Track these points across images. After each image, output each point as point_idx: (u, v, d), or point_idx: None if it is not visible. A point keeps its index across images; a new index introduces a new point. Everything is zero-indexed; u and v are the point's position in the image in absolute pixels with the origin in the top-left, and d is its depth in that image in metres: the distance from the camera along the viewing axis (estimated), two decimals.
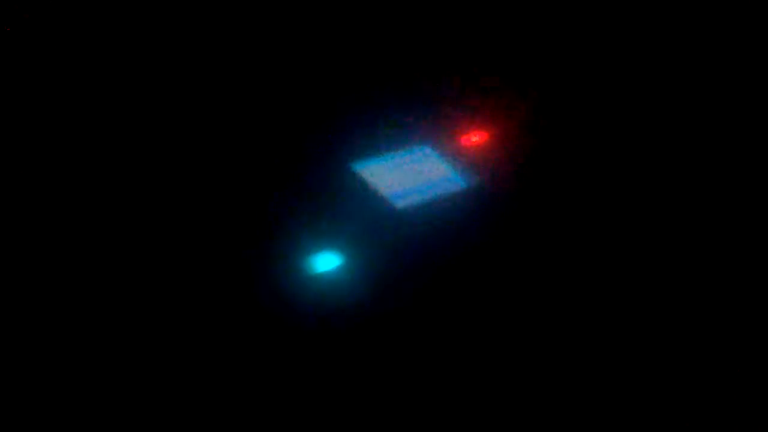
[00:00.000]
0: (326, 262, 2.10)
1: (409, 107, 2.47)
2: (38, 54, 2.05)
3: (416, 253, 2.10)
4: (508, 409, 1.90)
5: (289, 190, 2.13)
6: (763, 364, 2.06)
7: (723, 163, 2.59)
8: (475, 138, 2.51)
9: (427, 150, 2.44)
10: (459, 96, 2.60)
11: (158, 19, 2.18)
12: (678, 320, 2.18)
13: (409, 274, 2.07)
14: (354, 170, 2.24)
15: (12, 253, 1.86)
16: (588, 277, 2.22)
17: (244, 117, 2.28)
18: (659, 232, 2.40)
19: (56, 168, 2.00)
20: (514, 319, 2.06)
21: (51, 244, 1.90)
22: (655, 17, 2.80)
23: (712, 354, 2.10)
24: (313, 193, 2.13)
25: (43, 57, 2.06)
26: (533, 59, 2.73)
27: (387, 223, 2.15)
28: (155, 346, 1.79)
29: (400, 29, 2.59)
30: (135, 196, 2.01)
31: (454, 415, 1.87)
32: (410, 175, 2.34)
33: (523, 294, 2.12)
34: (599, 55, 2.76)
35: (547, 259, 2.23)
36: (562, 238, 2.30)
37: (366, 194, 2.19)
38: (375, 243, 2.09)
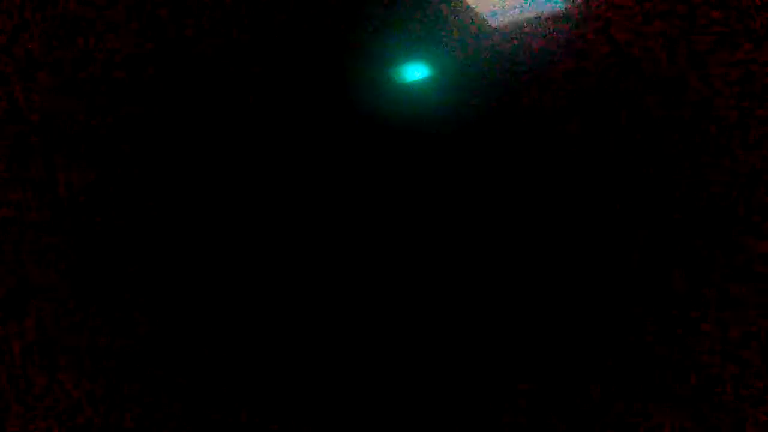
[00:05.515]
0: (415, 72, 2.06)
1: None
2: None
3: (506, 71, 2.05)
4: None
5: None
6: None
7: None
8: None
9: None
10: None
11: None
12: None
13: (495, 88, 2.01)
14: None
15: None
16: None
17: None
18: None
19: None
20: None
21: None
22: None
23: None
24: (409, 6, 2.07)
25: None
26: None
27: (480, 39, 2.09)
28: None
29: None
30: None
31: None
32: None
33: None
34: None
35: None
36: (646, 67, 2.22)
37: (460, 9, 2.12)
38: (466, 58, 2.04)
